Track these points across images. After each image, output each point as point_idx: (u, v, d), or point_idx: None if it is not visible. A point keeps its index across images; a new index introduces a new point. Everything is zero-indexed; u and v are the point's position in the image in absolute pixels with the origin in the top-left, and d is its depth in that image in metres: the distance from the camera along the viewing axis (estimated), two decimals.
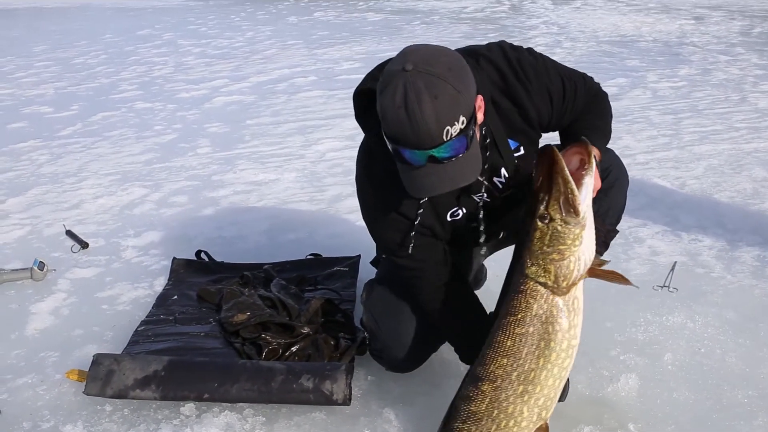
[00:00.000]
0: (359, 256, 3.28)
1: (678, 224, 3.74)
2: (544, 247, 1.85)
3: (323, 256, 3.41)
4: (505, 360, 1.91)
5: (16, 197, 4.41)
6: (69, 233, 3.75)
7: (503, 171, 2.13)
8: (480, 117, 1.92)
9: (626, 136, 5.28)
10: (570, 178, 1.79)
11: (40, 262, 3.30)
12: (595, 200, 1.93)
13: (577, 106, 2.14)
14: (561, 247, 1.84)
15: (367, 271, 3.16)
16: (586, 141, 1.86)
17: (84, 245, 3.62)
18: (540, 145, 1.97)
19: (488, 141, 2.04)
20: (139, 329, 2.83)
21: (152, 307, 3.02)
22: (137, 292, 3.20)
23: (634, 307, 2.92)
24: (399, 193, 1.96)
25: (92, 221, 4.02)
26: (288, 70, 8.52)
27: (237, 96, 7.25)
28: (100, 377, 2.37)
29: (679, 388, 2.43)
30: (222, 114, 6.49)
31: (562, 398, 2.18)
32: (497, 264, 2.54)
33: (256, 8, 16.27)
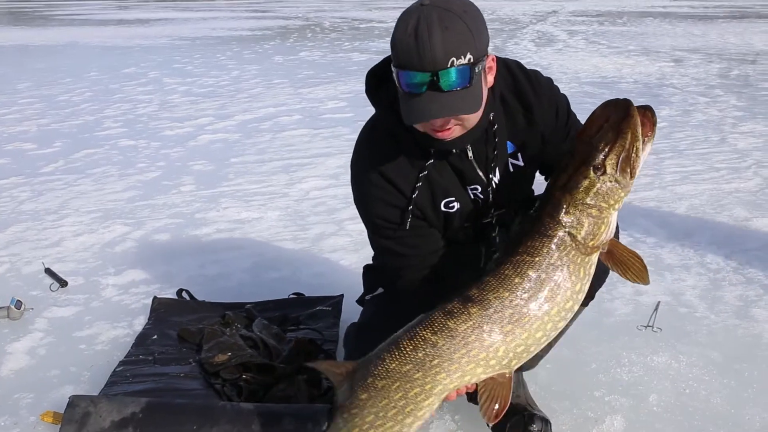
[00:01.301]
0: (342, 295, 3.26)
1: (661, 264, 3.76)
2: (587, 199, 1.79)
3: (306, 295, 3.38)
4: (507, 294, 1.83)
5: None
6: (48, 271, 3.70)
7: (497, 171, 2.13)
8: (490, 80, 1.96)
9: None
10: (641, 137, 1.74)
11: (18, 300, 3.25)
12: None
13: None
14: (603, 204, 1.79)
15: (350, 311, 3.14)
16: (653, 110, 1.81)
17: (63, 283, 3.57)
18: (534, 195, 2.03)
19: (495, 128, 2.07)
20: (117, 370, 2.78)
21: (131, 347, 2.97)
22: (116, 332, 3.15)
23: (619, 347, 2.91)
24: (397, 167, 2.03)
25: (72, 259, 3.97)
26: (273, 109, 8.56)
27: (222, 134, 7.26)
28: (76, 419, 2.31)
29: (665, 430, 2.41)
30: (206, 152, 6.49)
31: (532, 364, 2.24)
32: None
33: (243, 47, 16.42)
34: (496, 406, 1.85)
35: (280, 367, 2.63)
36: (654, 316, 3.04)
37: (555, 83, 2.20)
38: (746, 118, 7.67)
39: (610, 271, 1.98)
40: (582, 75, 10.77)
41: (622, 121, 1.74)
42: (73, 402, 2.36)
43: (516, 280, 1.82)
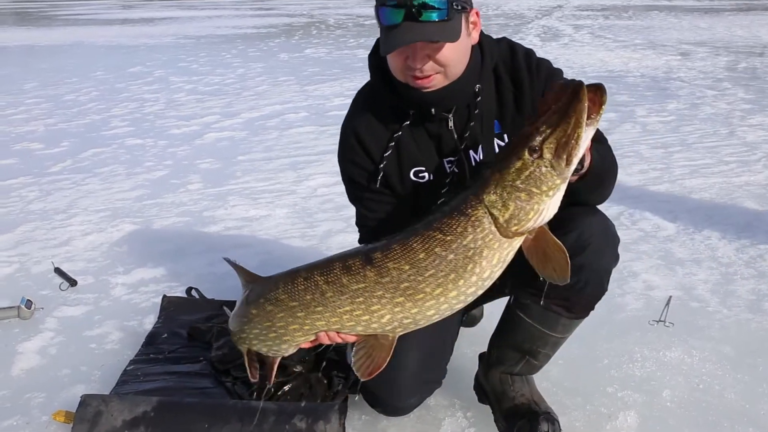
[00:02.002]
0: None
1: (671, 258, 3.73)
2: (518, 182, 1.68)
3: None
4: (407, 267, 1.76)
5: (4, 234, 4.36)
6: (57, 271, 3.70)
7: (480, 149, 2.13)
8: (475, 36, 2.01)
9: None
10: (584, 125, 1.63)
11: (28, 300, 3.25)
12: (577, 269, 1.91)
13: None
14: (534, 189, 1.68)
15: None
16: (604, 91, 1.67)
17: (72, 283, 3.57)
18: None
19: (478, 100, 2.08)
20: (127, 369, 2.78)
21: (141, 346, 2.97)
22: (126, 331, 3.14)
23: (631, 343, 2.89)
24: (372, 129, 2.12)
25: (81, 258, 3.97)
26: (279, 106, 8.56)
27: (228, 132, 7.26)
28: (88, 419, 2.31)
29: (679, 426, 2.39)
30: (213, 150, 6.49)
31: (532, 370, 2.29)
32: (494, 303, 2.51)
33: (248, 45, 16.42)
34: (371, 366, 1.86)
35: (291, 365, 2.62)
36: (666, 311, 3.02)
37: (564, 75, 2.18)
38: (755, 111, 7.63)
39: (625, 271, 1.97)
40: (588, 69, 10.73)
41: (569, 105, 1.63)
42: (85, 401, 2.35)
43: (421, 256, 1.75)
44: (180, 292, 3.42)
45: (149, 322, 3.19)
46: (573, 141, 1.64)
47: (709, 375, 2.67)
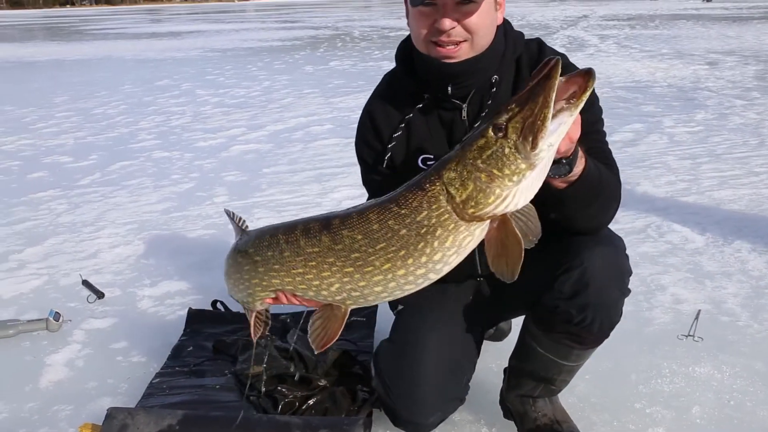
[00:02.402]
0: (377, 306, 3.24)
1: (700, 271, 3.68)
2: (479, 161, 1.58)
3: None
4: (360, 237, 1.72)
5: (33, 247, 4.42)
6: (85, 283, 3.74)
7: None
8: (500, 17, 2.05)
9: (644, 182, 5.24)
10: (551, 105, 1.49)
11: (56, 312, 3.29)
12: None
13: (590, 143, 1.99)
14: (495, 171, 1.56)
15: (384, 321, 3.12)
16: (593, 74, 1.53)
17: (100, 295, 3.61)
18: None
19: (494, 90, 2.08)
20: (153, 381, 2.79)
21: (167, 359, 2.98)
22: (152, 344, 3.17)
23: (659, 358, 2.85)
24: (386, 110, 2.18)
25: (108, 271, 4.02)
26: (304, 119, 8.60)
27: (254, 144, 7.31)
28: (114, 431, 2.32)
29: None
30: (239, 162, 6.53)
31: (554, 391, 2.27)
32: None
33: (273, 58, 16.56)
34: (324, 337, 1.86)
35: (315, 379, 2.62)
36: (695, 325, 2.97)
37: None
38: None
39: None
40: (615, 80, 10.65)
41: (540, 83, 1.51)
42: (111, 414, 2.37)
43: (374, 227, 1.70)
44: (206, 304, 3.44)
45: (175, 335, 3.21)
46: (539, 122, 1.50)
47: (740, 391, 2.62)
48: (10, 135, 8.28)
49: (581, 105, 1.52)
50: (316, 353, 1.95)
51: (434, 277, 1.72)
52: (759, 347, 2.92)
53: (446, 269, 1.71)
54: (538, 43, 2.18)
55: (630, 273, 2.08)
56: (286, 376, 2.65)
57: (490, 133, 1.56)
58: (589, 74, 1.53)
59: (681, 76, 11.04)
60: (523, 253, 1.61)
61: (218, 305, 3.42)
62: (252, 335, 2.20)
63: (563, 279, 2.00)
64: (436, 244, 1.65)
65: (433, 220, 1.63)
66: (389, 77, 2.29)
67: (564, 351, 2.14)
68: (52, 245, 4.46)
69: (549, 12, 29.85)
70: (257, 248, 1.93)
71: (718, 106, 8.44)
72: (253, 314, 2.14)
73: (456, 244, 1.66)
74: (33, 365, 3.01)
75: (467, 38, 1.96)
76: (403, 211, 1.66)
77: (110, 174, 6.29)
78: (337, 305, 1.84)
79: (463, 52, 1.98)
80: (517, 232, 1.61)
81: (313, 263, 1.79)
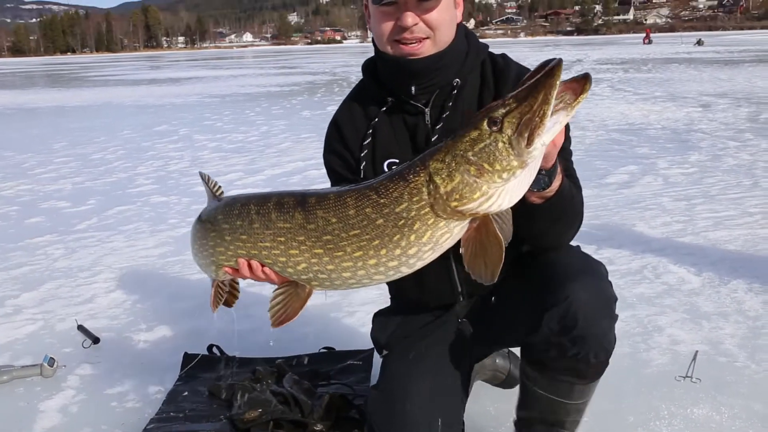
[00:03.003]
0: (373, 349, 3.22)
1: (697, 312, 3.67)
2: (469, 153, 1.53)
3: (336, 349, 3.35)
4: (334, 220, 1.66)
5: (29, 292, 4.41)
6: (81, 328, 3.73)
7: None
8: (458, 15, 2.09)
9: (640, 223, 5.26)
10: (552, 102, 1.47)
11: (51, 358, 3.27)
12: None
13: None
14: (486, 165, 1.51)
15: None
16: (590, 79, 1.53)
17: (95, 340, 3.59)
18: None
19: (454, 93, 2.10)
20: (148, 427, 2.76)
21: (162, 404, 2.96)
22: (147, 389, 3.14)
23: (657, 399, 2.83)
24: (352, 118, 2.21)
25: (104, 315, 4.00)
26: (302, 163, 8.67)
27: (251, 188, 7.34)
28: None
29: None
30: None
31: None
32: None
33: (271, 103, 16.73)
34: (283, 314, 1.82)
35: (311, 423, 2.59)
36: (692, 366, 2.96)
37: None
38: None
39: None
40: (609, 122, 10.77)
41: (540, 80, 1.49)
42: None
43: (350, 212, 1.65)
44: (201, 349, 3.42)
45: (170, 380, 3.19)
46: (537, 118, 1.48)
47: None
48: (9, 180, 8.33)
49: (578, 106, 1.52)
50: (271, 329, 1.90)
51: (406, 270, 1.68)
52: (757, 388, 2.90)
53: (419, 264, 1.67)
54: (504, 56, 2.21)
55: (615, 299, 2.05)
56: (282, 421, 2.62)
57: (485, 125, 1.52)
58: (586, 78, 1.52)
59: (674, 118, 11.16)
60: (503, 255, 1.57)
61: (214, 350, 3.40)
62: (212, 305, 2.18)
63: (550, 315, 1.97)
64: (412, 237, 1.61)
65: (413, 213, 1.59)
66: (355, 89, 2.33)
67: (565, 388, 2.09)
68: (48, 290, 4.45)
69: (543, 56, 30.22)
70: (226, 216, 1.90)
71: (711, 148, 8.53)
72: (215, 283, 2.10)
73: (433, 240, 1.61)
74: (27, 411, 2.98)
75: (429, 35, 2.00)
76: (382, 200, 1.61)
77: (107, 219, 6.31)
78: (301, 285, 1.80)
79: (426, 49, 2.01)
80: (498, 233, 1.57)
81: (282, 239, 1.75)
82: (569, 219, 1.99)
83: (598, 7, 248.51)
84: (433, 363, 2.20)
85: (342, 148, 2.24)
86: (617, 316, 2.07)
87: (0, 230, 6.05)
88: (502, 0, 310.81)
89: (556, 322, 1.96)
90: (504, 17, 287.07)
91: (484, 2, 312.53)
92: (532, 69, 1.58)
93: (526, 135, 1.48)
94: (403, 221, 1.60)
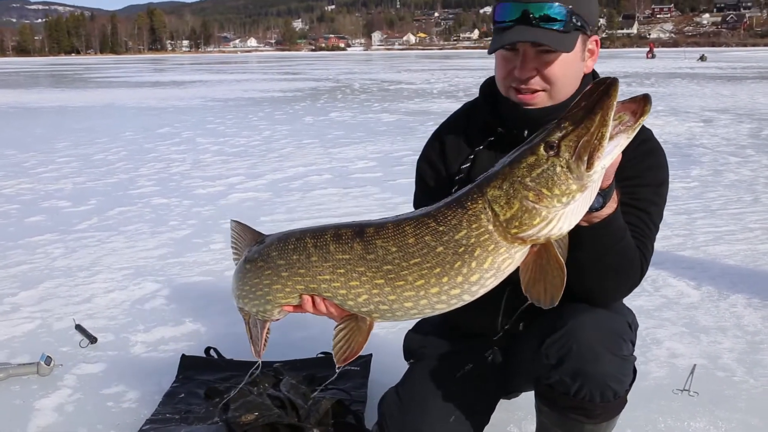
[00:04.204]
0: (371, 355, 3.22)
1: (696, 326, 3.67)
2: (527, 179, 1.50)
3: None
4: (394, 249, 1.63)
5: (28, 290, 4.41)
6: (78, 327, 3.72)
7: None
8: (590, 65, 1.97)
9: None
10: (610, 124, 1.43)
11: (48, 356, 3.26)
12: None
13: (632, 217, 1.91)
14: (544, 190, 1.49)
15: (378, 371, 3.11)
16: (649, 99, 1.48)
17: (93, 340, 3.59)
18: None
19: None
20: (143, 428, 2.75)
21: (158, 405, 2.95)
22: (144, 389, 3.13)
23: (655, 412, 2.82)
24: (455, 139, 2.14)
25: (102, 316, 4.00)
26: (303, 168, 8.67)
27: (252, 193, 7.35)
28: None
29: None
30: (237, 210, 6.56)
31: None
32: None
33: (274, 108, 16.75)
34: (347, 350, 1.76)
35: (308, 428, 2.59)
36: (690, 380, 2.96)
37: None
38: None
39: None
40: None
41: (597, 101, 1.44)
42: None
43: (410, 241, 1.62)
44: (199, 351, 3.42)
45: (167, 381, 3.18)
46: (596, 140, 1.44)
47: None
48: (10, 179, 8.33)
49: (638, 127, 1.47)
50: (337, 367, 1.86)
51: (468, 298, 1.64)
52: (755, 403, 2.89)
53: (482, 291, 1.63)
54: None
55: (626, 333, 1.95)
56: (278, 425, 2.62)
57: (542, 150, 1.49)
58: (645, 99, 1.48)
59: (677, 132, 11.18)
60: (564, 280, 1.54)
61: (212, 352, 3.40)
62: (258, 350, 2.05)
63: (548, 343, 1.92)
64: (473, 264, 1.58)
65: (472, 240, 1.56)
66: (467, 107, 2.25)
67: (576, 426, 1.98)
68: (46, 289, 4.45)
69: None
70: (281, 251, 1.82)
71: (713, 163, 8.54)
72: (267, 324, 2.01)
73: (495, 266, 1.58)
74: (22, 410, 2.97)
75: (545, 88, 1.91)
76: (441, 228, 1.59)
77: (108, 219, 6.31)
78: (362, 318, 1.75)
79: (539, 101, 1.93)
80: (560, 257, 1.55)
81: (342, 270, 1.70)
82: (615, 264, 1.85)
83: (602, 21, 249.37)
84: (455, 385, 2.17)
85: (438, 161, 2.17)
86: (631, 356, 1.97)
87: (0, 228, 6.05)
88: None
89: (553, 351, 1.90)
90: None
91: (488, 13, 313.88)
92: None
93: (585, 158, 1.46)
94: (463, 248, 1.57)
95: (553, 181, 1.48)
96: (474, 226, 1.55)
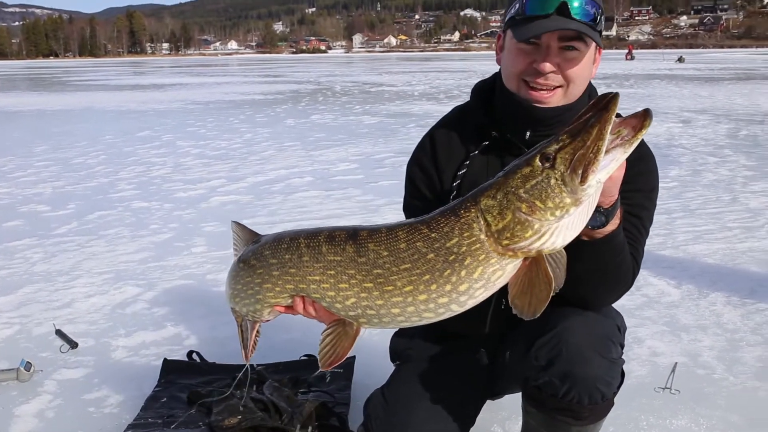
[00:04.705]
0: (354, 357, 3.22)
1: (676, 324, 3.70)
2: (521, 190, 1.49)
3: (317, 356, 3.33)
4: (386, 254, 1.63)
5: (6, 296, 4.36)
6: (59, 333, 3.68)
7: None
8: (594, 71, 1.98)
9: None
10: (606, 138, 1.43)
11: (27, 362, 3.23)
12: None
13: (624, 223, 1.87)
14: (538, 203, 1.48)
15: (361, 373, 3.10)
16: (650, 114, 1.48)
17: (73, 345, 3.55)
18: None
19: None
20: None
21: (140, 410, 2.92)
22: (125, 394, 3.11)
23: (636, 410, 2.84)
24: (449, 142, 2.10)
25: (83, 320, 3.96)
26: (285, 171, 8.65)
27: (234, 196, 7.32)
28: None
29: None
30: (218, 213, 6.53)
31: None
32: None
33: (255, 111, 16.70)
34: (333, 355, 1.76)
35: (291, 431, 2.58)
36: (671, 378, 2.98)
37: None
38: (757, 178, 7.68)
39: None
40: None
41: (595, 116, 1.44)
42: None
43: (401, 246, 1.62)
44: (181, 355, 3.40)
45: (149, 386, 3.16)
46: (592, 154, 1.43)
47: None
48: None
49: (636, 143, 1.46)
50: (321, 371, 1.86)
51: (456, 309, 1.63)
52: (735, 400, 2.93)
53: (471, 303, 1.62)
54: None
55: (615, 336, 1.96)
56: (261, 428, 2.60)
57: (537, 162, 1.49)
58: (646, 114, 1.47)
59: (656, 133, 11.27)
60: (550, 296, 1.54)
61: (194, 356, 3.38)
62: (247, 353, 2.06)
63: (537, 345, 1.93)
64: (463, 273, 1.57)
65: (464, 249, 1.55)
66: (459, 110, 2.21)
67: (563, 428, 1.99)
68: (25, 294, 4.40)
69: None
70: (274, 251, 1.82)
71: (691, 163, 8.62)
72: (257, 326, 2.01)
73: (485, 278, 1.57)
74: (1, 416, 2.93)
75: (563, 84, 1.91)
76: (433, 235, 1.58)
77: (87, 223, 6.25)
78: (349, 322, 1.75)
79: (555, 99, 1.92)
80: (550, 272, 1.53)
81: (332, 272, 1.70)
82: (611, 275, 1.88)
83: None
84: (442, 387, 2.17)
85: (430, 166, 2.14)
86: (620, 359, 1.97)
87: None
88: (487, 13, 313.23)
89: (543, 353, 1.91)
90: (488, 31, 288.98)
91: (468, 16, 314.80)
92: None
93: (580, 172, 1.45)
94: (453, 256, 1.56)
95: (546, 194, 1.48)
96: (466, 234, 1.55)
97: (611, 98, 1.45)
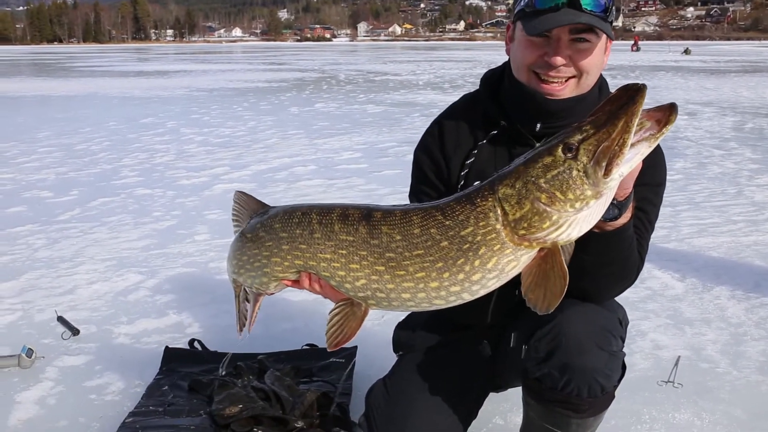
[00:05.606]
0: (356, 347, 3.21)
1: (680, 318, 3.69)
2: (541, 180, 1.46)
3: (319, 346, 3.33)
4: (399, 237, 1.60)
5: (9, 282, 4.35)
6: (60, 319, 3.68)
7: None
8: (605, 60, 1.95)
9: None
10: (633, 131, 1.39)
11: (29, 349, 3.22)
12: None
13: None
14: (558, 194, 1.45)
15: (363, 363, 3.10)
16: (676, 108, 1.43)
17: (75, 332, 3.55)
18: None
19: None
20: (126, 421, 2.73)
21: (141, 398, 2.92)
22: (127, 382, 3.11)
23: (639, 403, 2.83)
24: (457, 130, 2.07)
25: (85, 307, 3.96)
26: (288, 159, 8.63)
27: (237, 183, 7.30)
28: None
29: None
30: (221, 201, 6.51)
31: None
32: None
33: (259, 99, 16.66)
34: (340, 335, 1.74)
35: (292, 420, 2.57)
36: (674, 372, 2.97)
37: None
38: (762, 171, 7.64)
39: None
40: None
41: (622, 106, 1.40)
42: None
43: (415, 231, 1.59)
44: (183, 343, 3.39)
45: (150, 374, 3.15)
46: (617, 147, 1.39)
47: None
48: None
49: (662, 137, 1.42)
50: (329, 351, 1.84)
51: (468, 297, 1.61)
52: (738, 394, 2.91)
53: (482, 292, 1.60)
54: None
55: (615, 329, 1.95)
56: (262, 417, 2.60)
57: (559, 152, 1.45)
58: (672, 108, 1.43)
59: None
60: (565, 288, 1.51)
61: (195, 344, 3.37)
62: (247, 324, 2.01)
63: (537, 336, 1.92)
64: (477, 263, 1.54)
65: (478, 238, 1.52)
66: (468, 98, 2.19)
67: (562, 421, 1.98)
68: (28, 280, 4.40)
69: None
70: (285, 224, 1.77)
71: (697, 156, 8.58)
72: (261, 298, 1.97)
73: (498, 267, 1.55)
74: (2, 403, 2.93)
75: (575, 75, 1.89)
76: (447, 222, 1.55)
77: (90, 210, 6.24)
78: (357, 303, 1.73)
79: (567, 90, 1.90)
80: (565, 266, 1.50)
81: (344, 252, 1.67)
82: (617, 268, 1.87)
83: None
84: (444, 378, 2.16)
85: (438, 153, 2.12)
86: (620, 351, 1.96)
87: None
88: (492, 3, 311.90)
89: (543, 345, 1.90)
90: (494, 20, 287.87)
91: (474, 5, 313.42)
92: None
93: (604, 164, 1.41)
94: (468, 245, 1.53)
95: (567, 185, 1.44)
96: (482, 223, 1.52)
97: (638, 90, 1.40)
